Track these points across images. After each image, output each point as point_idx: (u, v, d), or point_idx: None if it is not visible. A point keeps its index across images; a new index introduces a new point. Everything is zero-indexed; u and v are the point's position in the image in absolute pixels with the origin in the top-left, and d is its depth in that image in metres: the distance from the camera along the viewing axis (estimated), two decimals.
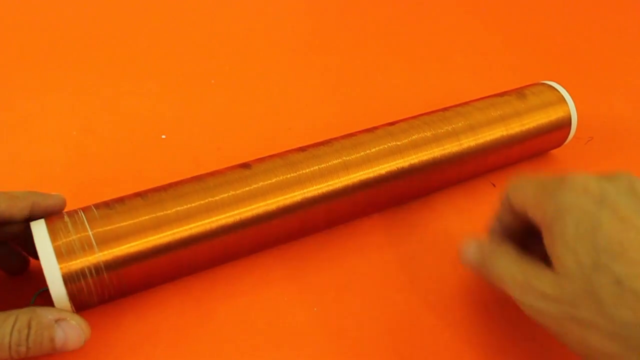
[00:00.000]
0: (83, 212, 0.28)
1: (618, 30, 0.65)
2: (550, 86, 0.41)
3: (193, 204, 0.29)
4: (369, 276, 0.33)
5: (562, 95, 0.40)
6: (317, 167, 0.32)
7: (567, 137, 0.41)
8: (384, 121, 0.37)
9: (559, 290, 0.24)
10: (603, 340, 0.23)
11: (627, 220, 0.23)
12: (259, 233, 0.31)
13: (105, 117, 0.46)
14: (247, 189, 0.31)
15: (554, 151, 0.44)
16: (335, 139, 0.35)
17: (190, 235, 0.29)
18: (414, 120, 0.37)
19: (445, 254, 0.35)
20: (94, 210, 0.28)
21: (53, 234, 0.27)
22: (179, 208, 0.29)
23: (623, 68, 0.57)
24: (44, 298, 0.30)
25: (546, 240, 0.25)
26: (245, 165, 0.32)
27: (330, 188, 0.32)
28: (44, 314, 0.25)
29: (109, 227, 0.28)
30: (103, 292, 0.28)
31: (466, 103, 0.39)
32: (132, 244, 0.28)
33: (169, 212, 0.29)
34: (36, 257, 0.27)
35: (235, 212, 0.30)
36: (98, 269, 0.27)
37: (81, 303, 0.27)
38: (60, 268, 0.26)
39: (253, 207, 0.30)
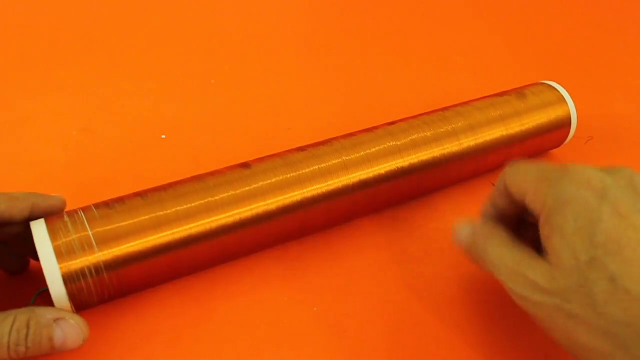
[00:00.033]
0: (83, 212, 0.28)
1: (618, 30, 0.65)
2: (550, 86, 0.41)
3: (193, 204, 0.29)
4: (369, 276, 0.33)
5: (562, 95, 0.40)
6: (317, 167, 0.32)
7: (567, 137, 0.41)
8: (384, 121, 0.37)
9: (552, 283, 0.23)
10: (592, 337, 0.23)
11: (626, 217, 0.23)
12: (258, 233, 0.31)
13: (105, 117, 0.46)
14: (247, 188, 0.31)
15: (554, 151, 0.44)
16: (335, 139, 0.35)
17: (190, 235, 0.29)
18: (414, 120, 0.37)
19: (445, 254, 0.35)
20: (94, 210, 0.28)
21: (53, 233, 0.27)
22: (179, 208, 0.29)
23: (623, 68, 0.57)
24: (44, 298, 0.30)
25: (543, 230, 0.25)
26: (245, 165, 0.32)
27: (330, 188, 0.32)
28: (43, 314, 0.25)
29: (109, 227, 0.28)
30: (103, 292, 0.28)
31: (466, 103, 0.39)
32: (132, 244, 0.28)
33: (169, 212, 0.29)
34: (36, 258, 0.27)
35: (235, 212, 0.30)
36: (98, 269, 0.27)
37: (81, 303, 0.27)
38: (60, 268, 0.26)
39: (253, 207, 0.30)
